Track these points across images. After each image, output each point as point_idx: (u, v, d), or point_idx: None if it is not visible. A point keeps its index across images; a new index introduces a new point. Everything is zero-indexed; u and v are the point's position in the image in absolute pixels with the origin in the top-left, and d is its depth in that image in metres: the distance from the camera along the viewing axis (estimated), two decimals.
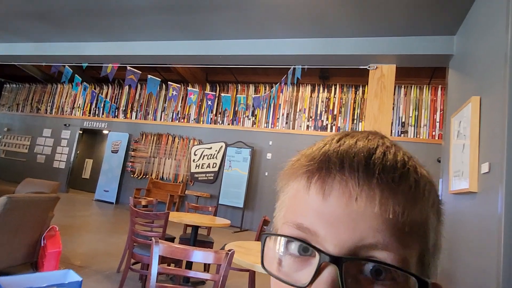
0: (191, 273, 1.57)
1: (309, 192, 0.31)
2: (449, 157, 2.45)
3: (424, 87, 7.02)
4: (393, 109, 7.02)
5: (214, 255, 1.53)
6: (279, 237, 0.32)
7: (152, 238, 1.63)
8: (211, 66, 4.39)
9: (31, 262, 3.00)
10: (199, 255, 1.56)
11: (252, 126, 8.19)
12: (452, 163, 2.35)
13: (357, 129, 7.30)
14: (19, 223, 2.74)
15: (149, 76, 4.72)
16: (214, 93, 6.62)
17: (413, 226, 0.29)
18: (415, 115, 6.96)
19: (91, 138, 11.42)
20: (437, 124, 6.72)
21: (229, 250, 1.54)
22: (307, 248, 0.30)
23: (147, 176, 8.77)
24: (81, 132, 10.00)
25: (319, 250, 0.28)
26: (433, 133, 6.70)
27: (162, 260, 1.52)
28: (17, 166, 10.20)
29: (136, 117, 9.37)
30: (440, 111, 6.78)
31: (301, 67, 3.76)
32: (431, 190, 0.33)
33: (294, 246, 0.31)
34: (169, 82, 5.36)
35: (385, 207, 0.29)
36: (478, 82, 2.14)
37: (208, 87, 8.70)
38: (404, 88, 7.11)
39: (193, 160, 8.32)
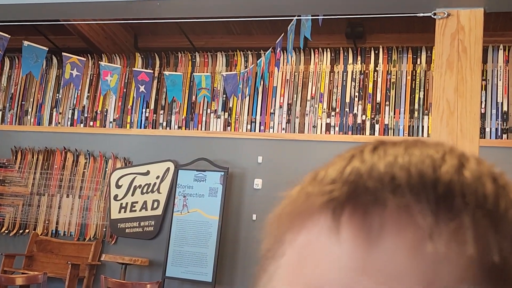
0: None
1: (338, 237, 0.29)
2: None
3: None
4: (484, 89, 7.14)
5: None
6: None
7: None
8: (142, 21, 4.39)
9: None
10: None
11: (225, 129, 8.21)
12: None
13: (417, 129, 7.40)
14: None
15: (26, 43, 4.68)
16: (151, 71, 6.61)
17: None
18: None
19: None
20: None
21: None
22: None
23: (27, 231, 8.64)
24: None
25: None
26: None
27: None
28: None
29: (4, 121, 9.26)
30: None
31: (310, 17, 3.80)
32: None
33: None
34: (64, 54, 5.33)
35: (485, 247, 0.29)
36: None
37: (138, 60, 8.71)
38: (504, 50, 7.26)
39: (115, 197, 8.26)
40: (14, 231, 8.72)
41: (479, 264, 0.28)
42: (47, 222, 8.63)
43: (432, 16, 3.39)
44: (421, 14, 3.48)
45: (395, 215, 0.28)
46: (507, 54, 7.24)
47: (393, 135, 7.45)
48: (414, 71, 7.63)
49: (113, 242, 8.25)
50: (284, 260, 0.34)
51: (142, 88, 7.22)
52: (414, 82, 7.60)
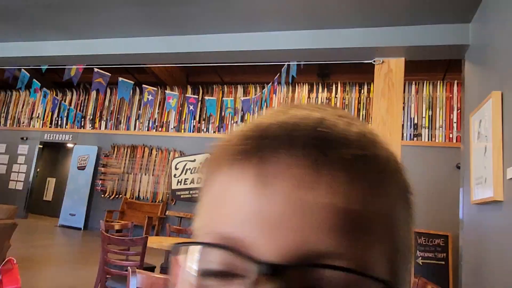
0: None
1: (241, 184, 0.24)
2: (470, 162, 2.48)
3: (438, 83, 7.14)
4: (403, 109, 7.13)
5: None
6: (191, 249, 0.25)
7: (128, 268, 1.60)
8: (192, 65, 4.40)
9: None
10: None
11: None
12: (474, 169, 2.38)
13: None
14: None
15: (120, 78, 4.70)
16: (197, 97, 6.64)
17: (378, 219, 0.25)
18: (428, 115, 7.07)
19: (53, 153, 11.29)
20: (455, 125, 6.82)
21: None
22: (232, 265, 0.23)
23: (120, 195, 8.68)
24: (41, 146, 9.87)
25: (252, 260, 0.22)
26: (450, 135, 6.80)
27: None
28: None
29: (106, 127, 9.31)
30: (458, 110, 6.89)
31: (296, 63, 3.79)
32: (400, 173, 0.29)
33: (213, 262, 0.24)
34: (143, 85, 5.36)
35: (340, 196, 0.24)
36: (499, 75, 2.18)
37: (189, 89, 8.72)
38: (415, 85, 7.23)
39: (175, 175, 8.27)
40: (113, 196, 8.79)
41: (336, 212, 0.23)
42: (132, 190, 8.68)
43: (372, 62, 3.37)
44: (366, 62, 3.47)
45: (282, 168, 0.24)
46: (416, 87, 7.23)
47: None
48: (359, 98, 7.66)
49: (173, 203, 8.29)
50: (207, 199, 0.28)
51: (191, 107, 7.25)
52: (359, 104, 7.62)
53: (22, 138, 9.97)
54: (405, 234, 0.28)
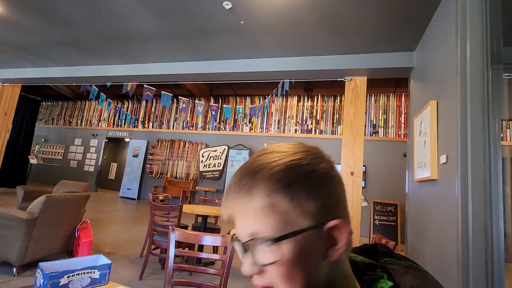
0: (203, 255, 1.56)
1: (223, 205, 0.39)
2: (413, 151, 2.47)
3: (391, 95, 7.06)
4: (365, 113, 7.06)
5: (222, 239, 1.52)
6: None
7: (169, 226, 1.62)
8: (214, 82, 4.38)
9: (67, 250, 2.96)
10: (209, 239, 1.55)
11: (250, 131, 8.18)
12: (416, 157, 2.36)
13: (336, 131, 7.33)
14: (57, 218, 2.71)
15: (163, 92, 4.70)
16: (217, 105, 6.62)
17: (264, 209, 0.34)
18: (384, 118, 7.00)
19: (115, 145, 11.35)
20: (402, 125, 6.76)
21: (234, 235, 1.53)
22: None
23: (163, 175, 8.72)
24: (106, 140, 9.93)
25: (238, 241, 0.37)
26: (400, 133, 6.74)
27: (178, 245, 1.51)
28: (54, 171, 10.11)
29: (152, 127, 9.33)
30: (405, 114, 6.82)
31: (288, 81, 3.77)
32: (272, 177, 0.35)
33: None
34: (179, 97, 5.34)
35: (243, 209, 0.35)
36: (435, 88, 2.15)
37: (212, 100, 8.69)
38: (374, 96, 7.15)
39: (201, 161, 8.29)
40: (157, 176, 8.83)
41: (246, 212, 0.36)
42: (171, 172, 8.70)
43: (344, 80, 3.34)
44: (339, 79, 3.43)
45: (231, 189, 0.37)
46: (375, 98, 7.14)
47: (322, 134, 7.39)
48: (334, 105, 7.53)
49: (200, 181, 8.31)
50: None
51: (213, 113, 7.22)
52: (334, 110, 7.51)
53: (93, 135, 10.03)
54: (312, 200, 0.35)
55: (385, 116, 6.99)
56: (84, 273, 0.92)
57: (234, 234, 1.54)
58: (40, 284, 0.86)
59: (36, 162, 9.29)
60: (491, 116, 1.68)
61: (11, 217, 2.44)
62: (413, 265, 0.39)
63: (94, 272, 0.94)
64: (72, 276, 0.89)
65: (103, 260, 1.02)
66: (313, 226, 0.33)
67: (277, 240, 0.33)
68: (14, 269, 2.44)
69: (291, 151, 0.37)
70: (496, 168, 1.67)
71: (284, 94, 5.64)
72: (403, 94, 6.89)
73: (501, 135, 1.77)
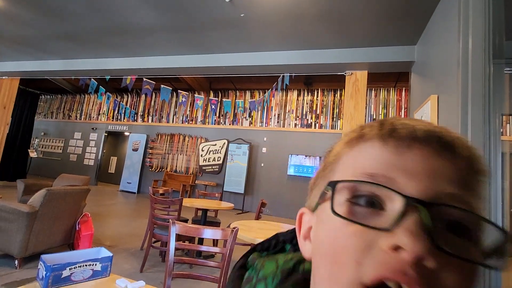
0: (203, 248, 1.57)
1: (385, 149, 0.24)
2: None
3: (391, 89, 7.04)
4: (365, 108, 7.04)
5: (222, 232, 1.53)
6: (347, 184, 0.24)
7: (169, 220, 1.63)
8: (213, 76, 4.36)
9: (68, 243, 2.98)
10: (209, 233, 1.56)
11: (249, 125, 8.17)
12: None
13: (336, 125, 7.33)
14: (58, 211, 2.72)
15: (162, 85, 4.67)
16: (217, 99, 6.58)
17: (478, 186, 0.23)
18: (383, 113, 6.99)
19: (115, 139, 11.33)
20: None
21: (234, 228, 1.54)
22: (379, 200, 0.22)
23: (163, 169, 8.74)
24: (106, 134, 9.91)
25: (399, 193, 0.21)
26: None
27: (178, 238, 1.52)
28: (53, 164, 10.11)
29: (152, 121, 9.31)
30: (405, 109, 6.81)
31: (289, 75, 3.74)
32: (483, 171, 0.25)
33: (363, 198, 0.23)
34: (179, 90, 5.32)
35: (457, 169, 0.23)
36: (436, 83, 2.14)
37: (211, 94, 8.66)
38: (374, 90, 7.12)
39: (201, 155, 8.30)
40: (157, 170, 8.84)
41: (458, 176, 0.22)
42: (171, 166, 8.71)
43: (344, 74, 3.32)
44: (339, 73, 3.42)
45: (416, 149, 0.23)
46: (375, 92, 7.12)
47: (322, 128, 7.38)
48: (334, 100, 7.51)
49: (200, 175, 8.33)
50: (340, 163, 0.27)
51: (213, 107, 7.20)
52: (334, 105, 7.49)
53: (92, 128, 10.01)
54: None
55: (385, 110, 6.98)
56: (86, 265, 0.93)
57: (235, 227, 1.55)
58: (42, 276, 0.87)
59: (36, 156, 9.29)
60: (492, 111, 1.68)
61: (12, 210, 2.45)
62: None
63: (95, 265, 0.95)
64: (74, 268, 0.90)
65: (105, 252, 1.03)
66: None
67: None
68: (16, 262, 2.46)
69: None
70: (495, 163, 1.68)
71: (284, 88, 5.63)
72: (404, 88, 6.86)
73: (501, 130, 1.77)
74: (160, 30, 3.31)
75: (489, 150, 1.63)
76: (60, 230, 2.81)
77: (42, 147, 10.53)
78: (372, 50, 3.06)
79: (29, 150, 8.78)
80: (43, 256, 0.90)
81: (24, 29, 3.68)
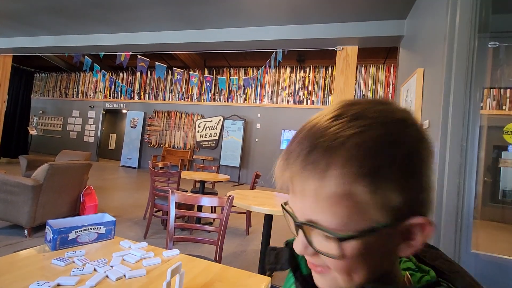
0: (202, 214, 1.61)
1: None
2: None
3: (380, 66, 6.95)
4: (355, 84, 6.99)
5: (219, 200, 1.57)
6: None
7: (169, 189, 1.65)
8: (208, 52, 4.22)
9: (74, 214, 3.03)
10: (206, 200, 1.59)
11: (244, 102, 8.08)
12: None
13: (327, 101, 7.29)
14: (61, 184, 2.73)
15: (157, 63, 4.52)
16: (212, 76, 6.44)
17: (334, 197, 0.26)
18: (372, 89, 6.95)
19: (113, 117, 11.15)
20: (390, 95, 6.74)
21: (230, 195, 1.58)
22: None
23: (162, 145, 8.72)
24: (104, 112, 9.72)
25: (291, 216, 0.31)
26: None
27: (178, 207, 1.55)
28: (54, 142, 9.98)
29: (149, 98, 9.12)
30: (393, 85, 6.78)
31: (281, 50, 3.65)
32: (353, 159, 0.25)
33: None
34: (173, 68, 5.17)
35: (304, 189, 0.28)
36: (422, 56, 2.12)
37: (206, 71, 8.43)
38: (364, 67, 7.03)
39: (198, 131, 8.26)
40: (156, 146, 8.82)
41: (306, 197, 0.28)
42: (169, 142, 8.70)
43: (335, 49, 3.25)
44: (330, 48, 3.34)
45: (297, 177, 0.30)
46: (365, 69, 7.03)
47: (313, 104, 7.34)
48: (325, 76, 7.41)
49: (197, 150, 8.35)
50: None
51: (208, 84, 7.05)
52: (325, 81, 7.40)
53: (90, 106, 9.78)
54: (399, 187, 0.26)
55: (374, 86, 6.94)
56: (91, 228, 0.95)
57: (230, 195, 1.59)
58: (50, 238, 0.89)
59: (36, 133, 9.11)
60: (474, 84, 1.68)
61: (17, 184, 2.45)
62: (444, 255, 0.33)
63: (100, 228, 0.97)
64: (79, 231, 0.92)
65: (108, 217, 1.05)
66: (389, 225, 0.26)
67: (342, 239, 0.26)
68: (26, 231, 2.51)
69: (375, 119, 0.27)
70: (473, 133, 1.71)
71: (277, 65, 5.52)
72: (392, 65, 6.78)
73: (481, 105, 1.79)
74: (151, 3, 3.13)
75: (468, 121, 1.66)
76: (65, 201, 2.84)
77: (42, 125, 10.32)
78: (363, 24, 2.98)
79: (28, 128, 8.59)
80: (50, 221, 0.92)
81: (12, 2, 3.44)
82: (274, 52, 3.89)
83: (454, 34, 1.67)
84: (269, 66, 3.98)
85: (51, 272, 0.78)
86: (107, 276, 0.78)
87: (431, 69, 1.90)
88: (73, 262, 0.83)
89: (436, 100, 1.72)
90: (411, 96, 2.14)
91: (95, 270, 0.80)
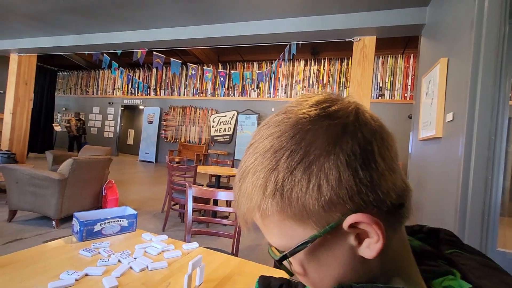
0: (218, 208, 1.63)
1: None
2: (419, 112, 2.39)
3: (399, 56, 6.68)
4: (372, 76, 6.78)
5: None
6: None
7: (186, 183, 1.67)
8: (221, 47, 4.20)
9: (97, 207, 3.15)
10: (223, 194, 1.61)
11: (257, 96, 8.04)
12: (422, 116, 2.30)
13: (342, 95, 7.11)
14: (85, 178, 2.84)
15: (172, 59, 4.56)
16: (225, 71, 6.42)
17: (261, 225, 0.28)
18: (390, 81, 6.72)
19: (131, 113, 11.44)
20: (409, 87, 6.49)
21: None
22: None
23: (177, 140, 8.87)
24: (122, 108, 9.99)
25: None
26: (405, 95, 6.50)
27: (194, 200, 1.57)
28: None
29: (164, 94, 9.27)
30: (412, 76, 6.51)
31: (295, 43, 3.58)
32: (259, 187, 0.26)
33: None
34: (188, 63, 5.21)
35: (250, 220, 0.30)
36: (447, 45, 2.01)
37: (220, 66, 8.45)
38: (382, 58, 6.79)
39: (212, 126, 8.33)
40: (172, 141, 8.99)
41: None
42: (185, 136, 8.83)
43: (352, 40, 3.14)
44: (347, 40, 3.24)
45: None
46: (382, 60, 6.78)
47: None
48: (341, 69, 7.22)
49: (212, 145, 8.44)
50: None
51: (222, 79, 7.06)
52: (341, 73, 7.22)
53: (109, 103, 10.08)
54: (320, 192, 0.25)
55: (391, 78, 6.70)
56: (114, 221, 0.98)
57: None
58: (77, 230, 0.92)
59: (60, 130, 9.52)
60: (503, 74, 1.58)
61: (45, 178, 2.57)
62: (489, 262, 0.29)
63: (123, 221, 1.00)
64: (104, 223, 0.95)
65: (130, 211, 1.08)
66: (319, 235, 0.25)
67: (280, 260, 0.26)
68: (53, 222, 2.64)
69: (272, 135, 0.27)
70: (502, 126, 1.62)
71: (291, 58, 5.44)
72: (412, 55, 6.51)
73: (510, 95, 1.69)
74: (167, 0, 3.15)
75: (497, 113, 1.56)
76: (89, 194, 2.96)
77: (65, 122, 10.76)
78: (382, 13, 2.85)
79: (53, 124, 8.99)
80: (76, 214, 0.95)
81: (36, 3, 3.57)
82: (288, 45, 3.82)
83: (483, 19, 1.56)
84: (283, 60, 3.92)
85: (79, 262, 0.82)
86: (130, 267, 0.81)
87: (456, 58, 1.80)
88: (99, 253, 0.87)
89: (461, 91, 1.63)
90: (433, 87, 2.04)
91: (119, 261, 0.83)
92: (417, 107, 2.52)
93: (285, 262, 0.27)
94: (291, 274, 0.28)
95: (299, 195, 0.24)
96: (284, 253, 0.26)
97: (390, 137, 0.28)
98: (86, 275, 0.75)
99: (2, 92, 7.52)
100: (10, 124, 4.83)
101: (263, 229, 0.28)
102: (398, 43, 6.21)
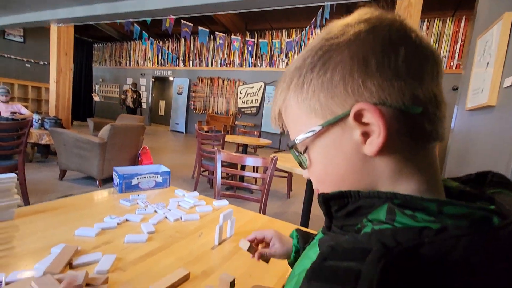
0: (246, 173, 1.65)
1: None
2: (469, 81, 2.13)
3: (448, 19, 5.91)
4: None
5: (263, 160, 1.57)
6: None
7: (215, 148, 1.71)
8: (250, 12, 4.01)
9: None
10: (251, 160, 1.62)
11: (286, 67, 7.73)
12: (472, 83, 2.05)
13: None
14: (121, 143, 3.03)
15: (200, 28, 4.48)
16: (253, 40, 6.20)
17: (286, 108, 0.30)
18: (435, 47, 6.04)
19: (162, 84, 11.72)
20: (456, 54, 5.80)
21: (274, 156, 1.57)
22: None
23: (206, 111, 9.01)
24: (153, 79, 10.24)
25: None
26: (451, 64, 5.84)
27: (222, 166, 1.60)
28: (113, 107, 10.97)
29: (193, 65, 9.29)
30: (461, 42, 5.78)
31: (329, 3, 3.29)
32: (285, 79, 0.30)
33: None
34: (216, 32, 5.08)
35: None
36: None
37: (248, 35, 8.16)
38: (427, 22, 6.06)
39: (239, 98, 8.30)
40: (201, 112, 9.15)
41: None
42: (213, 107, 8.93)
43: None
44: None
45: None
46: (428, 24, 6.05)
47: None
48: None
49: (239, 116, 8.47)
50: None
51: (249, 48, 6.85)
52: None
53: (141, 74, 10.36)
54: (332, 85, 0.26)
55: (437, 44, 6.02)
56: (149, 176, 1.03)
57: (274, 156, 1.58)
58: (117, 183, 0.99)
59: (99, 100, 10.11)
60: None
61: (88, 141, 2.78)
62: None
63: (157, 177, 1.05)
64: (140, 178, 1.00)
65: (163, 168, 1.12)
66: (322, 125, 0.26)
67: (291, 146, 0.29)
68: (97, 182, 2.90)
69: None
70: None
71: (324, 24, 5.04)
72: (464, 17, 5.72)
73: None
74: None
75: None
76: (126, 158, 3.17)
77: (102, 92, 11.36)
78: None
79: (92, 94, 9.55)
80: (116, 168, 1.01)
81: None
82: (321, 9, 3.53)
83: None
84: (315, 26, 3.66)
85: (119, 209, 0.88)
86: (166, 217, 0.85)
87: None
88: (137, 203, 0.92)
89: None
90: (490, 49, 1.78)
91: (155, 211, 0.88)
92: (467, 76, 2.25)
93: (296, 153, 0.30)
94: (301, 166, 0.31)
95: (315, 88, 0.26)
96: (294, 139, 0.29)
97: (434, 56, 0.27)
98: (127, 220, 0.81)
99: (46, 63, 8.04)
100: (55, 92, 5.19)
101: (286, 124, 0.31)
102: (448, 4, 5.46)
